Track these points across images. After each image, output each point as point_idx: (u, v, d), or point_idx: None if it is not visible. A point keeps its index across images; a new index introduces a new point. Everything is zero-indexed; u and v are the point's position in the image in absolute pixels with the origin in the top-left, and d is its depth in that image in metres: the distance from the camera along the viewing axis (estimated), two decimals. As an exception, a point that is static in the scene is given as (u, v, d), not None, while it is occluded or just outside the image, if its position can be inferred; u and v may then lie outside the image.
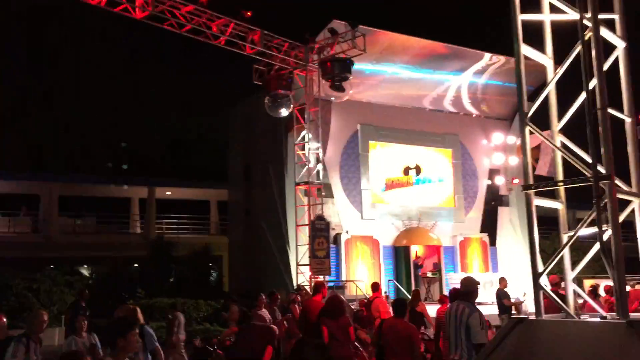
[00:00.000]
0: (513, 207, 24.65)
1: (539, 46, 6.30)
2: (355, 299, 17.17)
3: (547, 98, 6.12)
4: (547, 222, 9.15)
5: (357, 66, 18.77)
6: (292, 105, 19.17)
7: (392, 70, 21.86)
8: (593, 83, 5.55)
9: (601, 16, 5.76)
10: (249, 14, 16.84)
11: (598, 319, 5.55)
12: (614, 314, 5.41)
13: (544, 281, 6.08)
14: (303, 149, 19.48)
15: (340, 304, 8.47)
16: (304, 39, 18.80)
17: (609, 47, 6.04)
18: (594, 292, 12.07)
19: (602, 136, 5.45)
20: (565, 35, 6.31)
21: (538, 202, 5.99)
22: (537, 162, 18.76)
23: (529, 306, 15.09)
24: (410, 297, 14.18)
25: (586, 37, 5.66)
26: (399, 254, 21.93)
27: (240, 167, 24.46)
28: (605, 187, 5.40)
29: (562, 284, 6.93)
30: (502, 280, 14.59)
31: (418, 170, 23.27)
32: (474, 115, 25.13)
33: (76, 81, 39.62)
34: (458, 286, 7.68)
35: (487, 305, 15.89)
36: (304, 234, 18.91)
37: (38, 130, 34.87)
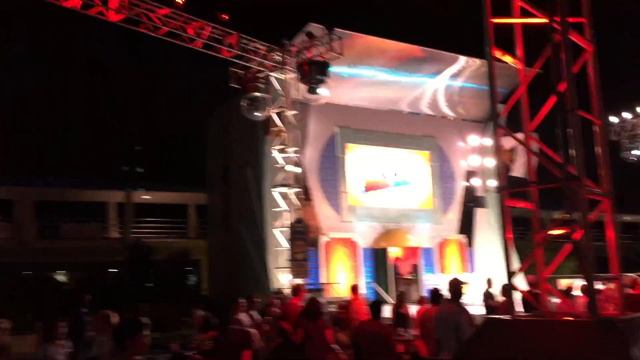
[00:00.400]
0: (490, 209, 24.89)
1: (511, 49, 6.40)
2: (335, 302, 17.18)
3: (519, 100, 6.22)
4: (524, 223, 9.26)
5: (335, 69, 18.80)
6: (269, 108, 19.16)
7: (369, 73, 21.93)
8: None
9: (570, 20, 5.87)
10: (225, 17, 16.82)
11: (570, 318, 5.64)
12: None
13: (520, 281, 6.17)
14: (281, 152, 19.48)
15: (319, 306, 8.52)
16: (280, 42, 18.81)
17: (578, 50, 6.15)
18: (567, 292, 12.25)
19: (572, 138, 5.55)
20: (538, 38, 6.41)
21: (511, 203, 6.08)
22: (513, 163, 18.99)
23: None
24: (395, 299, 14.29)
25: (556, 41, 5.76)
26: (378, 256, 22.01)
27: (219, 170, 24.35)
28: (576, 187, 5.50)
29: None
30: (489, 282, 14.95)
31: (396, 172, 23.39)
32: (450, 118, 25.32)
33: (50, 84, 39.08)
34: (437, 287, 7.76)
35: (468, 307, 15.96)
36: (283, 238, 18.90)
37: (11, 134, 34.31)
